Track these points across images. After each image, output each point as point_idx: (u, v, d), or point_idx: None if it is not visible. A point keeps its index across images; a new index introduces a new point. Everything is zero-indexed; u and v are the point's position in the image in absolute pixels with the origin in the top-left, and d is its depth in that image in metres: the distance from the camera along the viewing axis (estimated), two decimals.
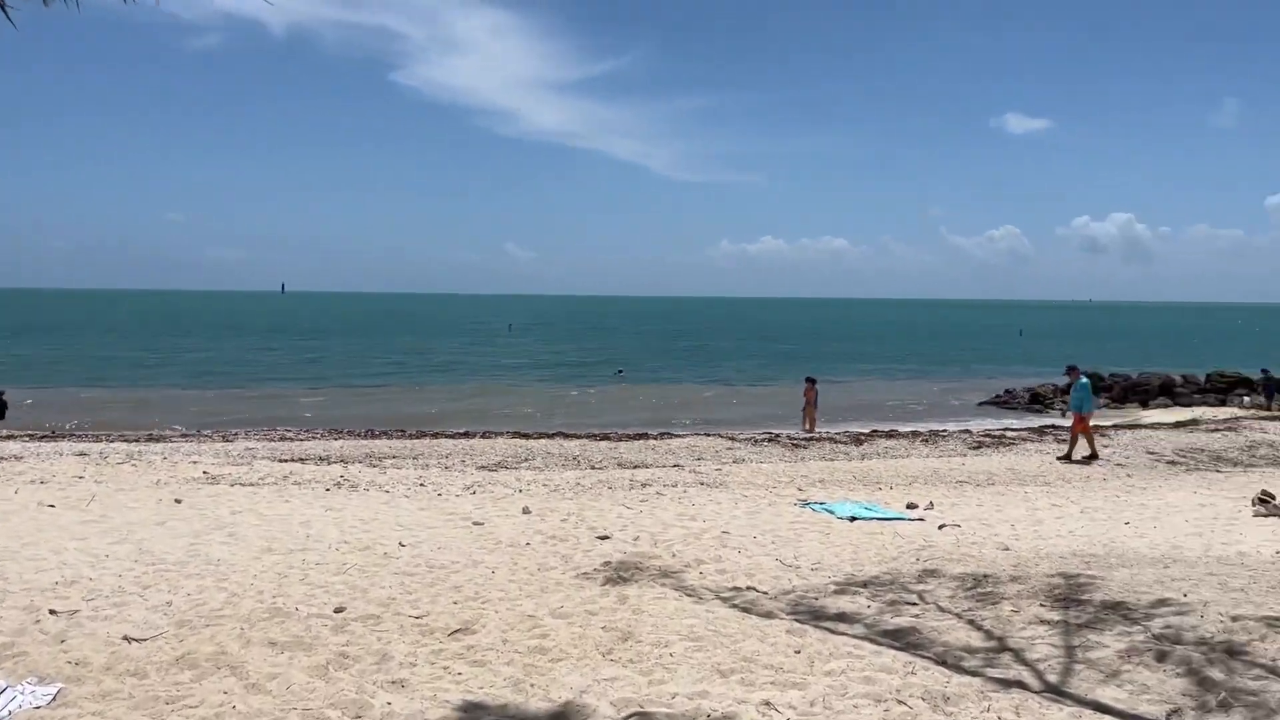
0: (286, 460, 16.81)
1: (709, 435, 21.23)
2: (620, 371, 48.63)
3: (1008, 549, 8.99)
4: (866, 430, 22.27)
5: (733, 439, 20.42)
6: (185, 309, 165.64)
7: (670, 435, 21.43)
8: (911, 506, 12.17)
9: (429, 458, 17.42)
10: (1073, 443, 18.24)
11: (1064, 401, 36.23)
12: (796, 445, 19.57)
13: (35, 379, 38.89)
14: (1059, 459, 17.91)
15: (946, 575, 7.28)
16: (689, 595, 6.88)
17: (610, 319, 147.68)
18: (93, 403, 31.60)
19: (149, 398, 33.31)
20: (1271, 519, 11.48)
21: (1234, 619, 5.33)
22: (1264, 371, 37.47)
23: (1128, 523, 10.97)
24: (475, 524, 10.42)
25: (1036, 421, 28.56)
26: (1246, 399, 35.48)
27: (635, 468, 16.61)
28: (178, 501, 11.81)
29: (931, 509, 12.08)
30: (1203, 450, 19.65)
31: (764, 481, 14.76)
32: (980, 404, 37.08)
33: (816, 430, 24.93)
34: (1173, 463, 18.17)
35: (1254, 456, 19.08)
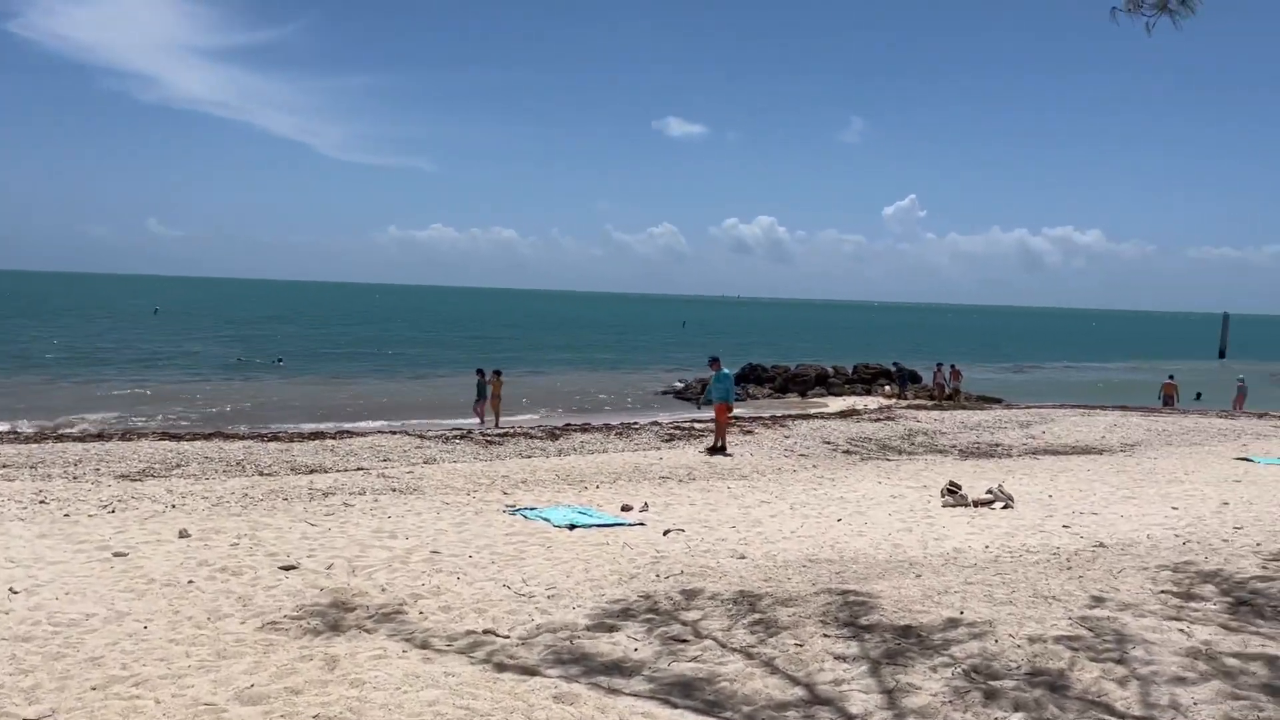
0: None
1: (394, 433, 19.56)
2: (280, 361, 44.94)
3: (744, 557, 8.45)
4: (560, 424, 21.58)
5: (421, 437, 18.91)
6: None
7: (349, 434, 19.52)
8: (626, 509, 11.46)
9: (51, 465, 14.48)
10: (719, 433, 18.27)
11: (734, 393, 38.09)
12: (491, 442, 18.45)
13: None
14: (707, 451, 17.77)
15: (705, 597, 6.52)
16: (417, 647, 5.55)
17: (271, 304, 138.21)
18: None
19: None
20: (959, 508, 11.95)
21: (1030, 640, 4.97)
22: (895, 364, 41.55)
23: (840, 519, 10.91)
24: (116, 555, 8.34)
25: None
26: (887, 388, 38.90)
27: (313, 473, 14.73)
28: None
29: (647, 510, 11.44)
30: (870, 439, 20.81)
31: (463, 485, 13.52)
32: (659, 393, 37.93)
33: (501, 423, 24.06)
34: (848, 452, 19.01)
35: (914, 444, 20.43)
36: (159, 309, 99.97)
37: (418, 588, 7.29)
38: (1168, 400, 33.06)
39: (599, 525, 10.20)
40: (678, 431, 20.78)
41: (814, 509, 11.76)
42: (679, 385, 39.66)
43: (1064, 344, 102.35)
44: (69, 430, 20.25)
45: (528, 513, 10.99)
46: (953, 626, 5.24)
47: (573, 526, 10.06)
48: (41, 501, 11.39)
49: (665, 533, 9.75)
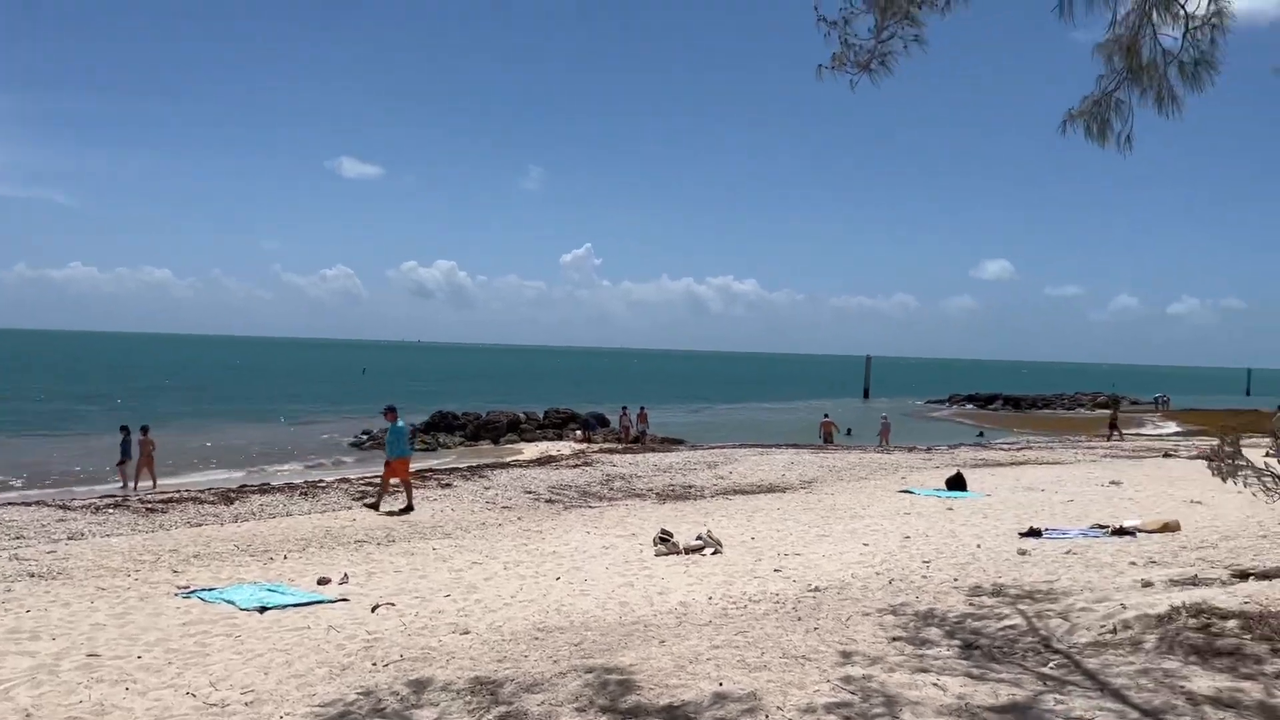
0: None
1: (28, 505, 16.73)
2: None
3: (467, 632, 7.71)
4: (235, 485, 19.50)
5: (64, 507, 16.29)
6: None
7: None
8: (324, 582, 10.31)
9: None
10: (383, 491, 16.82)
11: (424, 442, 36.77)
12: (152, 510, 16.22)
13: None
14: (367, 505, 16.63)
15: (436, 688, 5.71)
16: None
17: None
18: None
19: None
20: (672, 556, 11.89)
21: (803, 712, 4.69)
22: (590, 416, 42.31)
23: (558, 578, 10.44)
24: None
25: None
26: (579, 432, 39.31)
27: None
28: None
29: (347, 582, 10.35)
30: (570, 486, 20.63)
31: (122, 564, 11.64)
32: (345, 446, 35.86)
33: (158, 485, 21.74)
34: (550, 501, 18.67)
35: (614, 490, 20.49)
36: None
37: (73, 707, 5.91)
38: (827, 437, 35.95)
39: (295, 604, 9.03)
40: (370, 489, 19.45)
41: (529, 567, 11.20)
42: (364, 437, 37.78)
43: (731, 385, 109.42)
44: None
45: (206, 594, 9.56)
46: (720, 703, 4.89)
47: (264, 608, 8.82)
48: None
49: (374, 608, 8.78)
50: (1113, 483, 21.09)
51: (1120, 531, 12.45)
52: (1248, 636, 5.26)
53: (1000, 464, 27.02)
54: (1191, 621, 5.53)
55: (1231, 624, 5.45)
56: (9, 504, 16.93)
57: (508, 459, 28.77)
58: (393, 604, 8.98)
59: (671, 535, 12.41)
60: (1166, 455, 29.37)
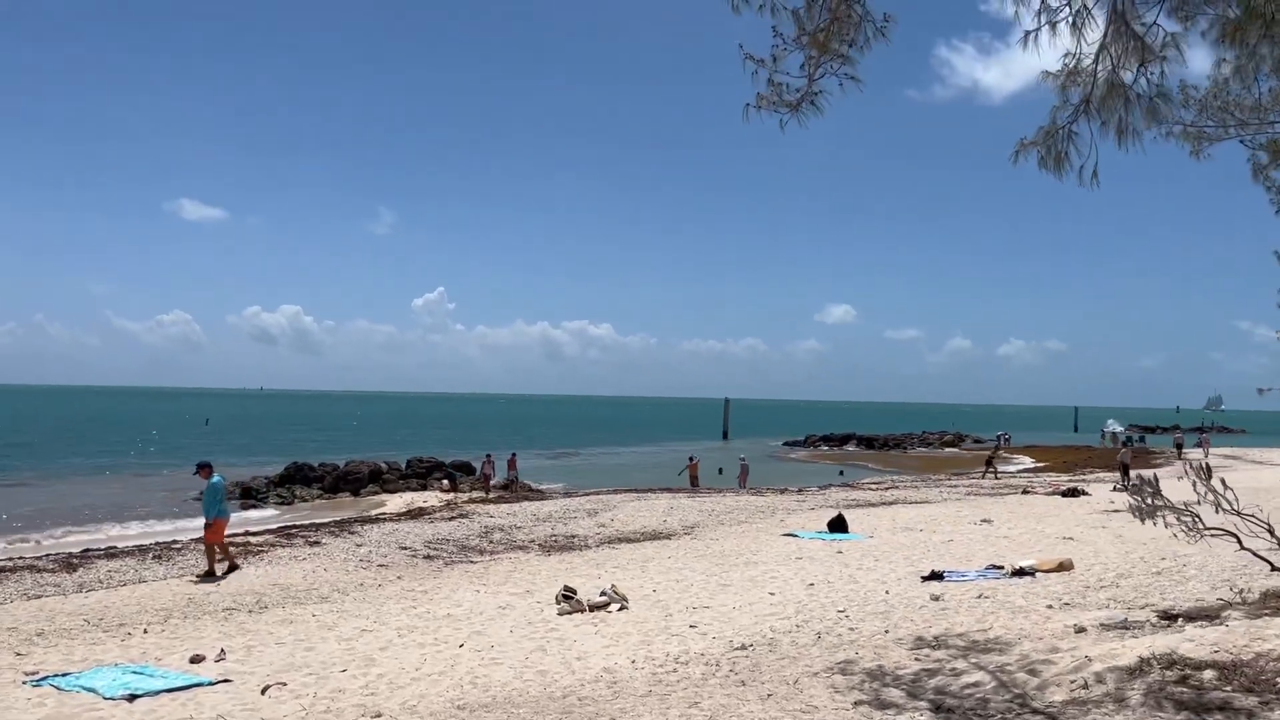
0: None
1: None
2: None
3: (379, 715, 6.91)
4: (77, 549, 17.68)
5: None
6: None
7: None
8: (197, 660, 9.22)
9: None
10: (211, 555, 15.51)
11: (280, 495, 34.80)
12: None
13: None
14: (198, 577, 15.11)
15: None
16: None
17: None
18: None
19: None
20: (577, 615, 11.27)
21: None
22: (450, 464, 41.00)
23: (462, 645, 9.67)
24: None
25: (271, 524, 26.38)
26: (445, 482, 37.98)
27: None
28: None
29: (224, 659, 9.30)
30: (448, 540, 19.69)
31: None
32: (196, 499, 33.47)
33: None
34: (429, 556, 17.71)
35: (494, 543, 19.65)
36: None
37: None
38: (693, 479, 35.84)
39: (169, 689, 7.98)
40: (231, 548, 18.02)
41: (426, 633, 10.37)
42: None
43: (591, 428, 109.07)
44: None
45: (61, 681, 8.37)
46: None
47: (132, 696, 7.75)
48: None
49: (263, 690, 7.84)
50: (984, 520, 21.61)
51: (1019, 572, 12.54)
52: (1228, 688, 5.13)
53: (872, 504, 27.41)
54: (1169, 674, 5.37)
55: (1209, 675, 5.32)
56: None
57: (373, 512, 27.46)
58: (284, 684, 8.05)
59: (575, 592, 11.79)
60: (1025, 491, 30.49)
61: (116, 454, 55.30)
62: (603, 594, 11.84)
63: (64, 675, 8.61)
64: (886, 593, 11.79)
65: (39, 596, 13.60)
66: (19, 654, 9.76)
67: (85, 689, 8.05)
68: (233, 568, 15.60)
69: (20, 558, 16.98)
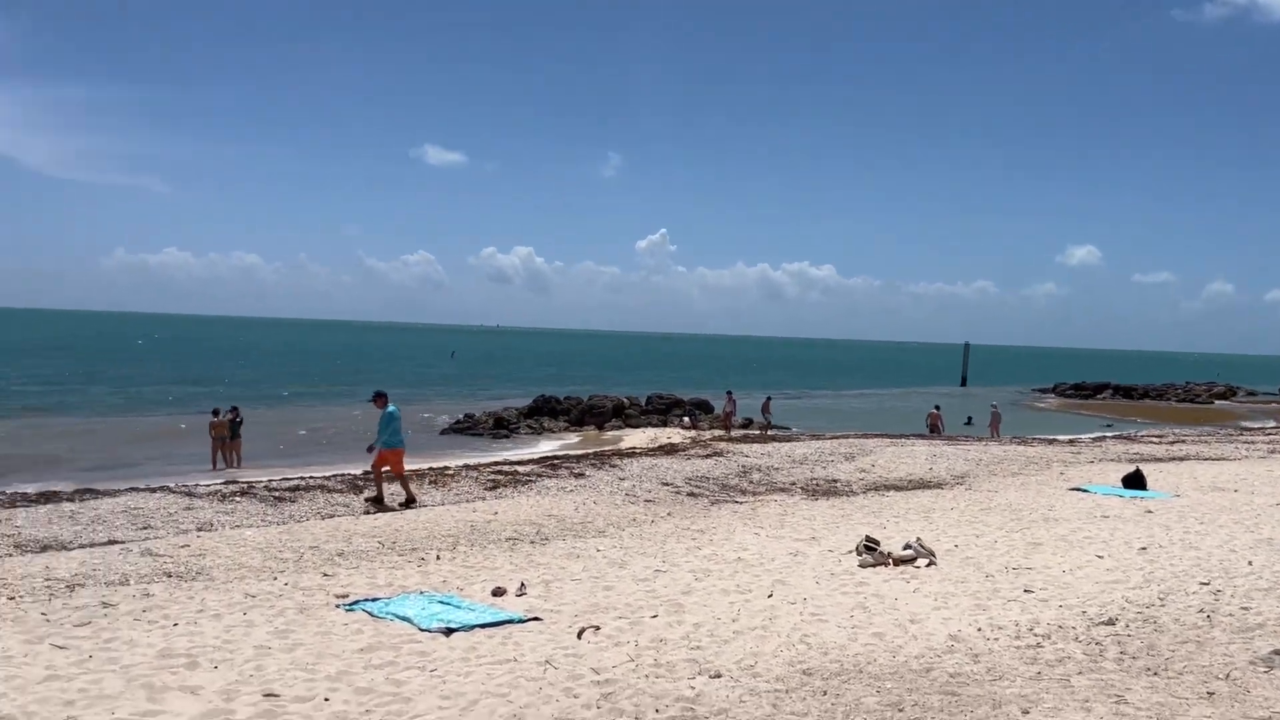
0: None
1: (153, 490, 15.79)
2: None
3: (718, 675, 6.21)
4: (358, 471, 18.28)
5: (190, 494, 15.31)
6: None
7: (94, 493, 15.54)
8: (499, 593, 8.92)
9: None
10: (379, 484, 15.09)
11: (530, 426, 35.64)
12: (280, 499, 15.14)
13: None
14: (369, 501, 14.98)
15: None
16: None
17: None
18: None
19: None
20: (881, 567, 10.27)
21: None
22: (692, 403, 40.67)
23: (770, 595, 8.88)
24: None
25: (524, 450, 26.86)
26: (685, 419, 37.73)
27: (47, 550, 11.14)
28: None
29: (525, 593, 8.95)
30: (708, 478, 19.12)
31: (262, 563, 10.45)
32: (444, 431, 34.90)
33: (241, 467, 22.23)
34: (692, 494, 17.19)
35: (754, 483, 18.92)
36: None
37: None
38: (933, 428, 33.72)
39: (481, 624, 7.62)
40: (500, 477, 18.18)
41: (724, 578, 9.67)
42: (464, 419, 36.85)
43: (815, 371, 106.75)
44: None
45: (372, 607, 8.22)
46: None
47: (448, 630, 7.43)
48: None
49: (579, 634, 7.33)
50: None
51: None
52: None
53: (1159, 459, 24.73)
54: None
55: None
56: (133, 489, 16.03)
57: (624, 446, 27.41)
58: (598, 627, 7.52)
59: (877, 544, 10.77)
60: None
61: (371, 380, 58.72)
62: (907, 547, 10.75)
63: (374, 600, 8.48)
64: (1249, 564, 10.08)
65: (331, 516, 14.00)
66: (325, 574, 9.81)
67: (398, 617, 7.83)
68: (410, 501, 14.95)
69: (310, 477, 17.72)
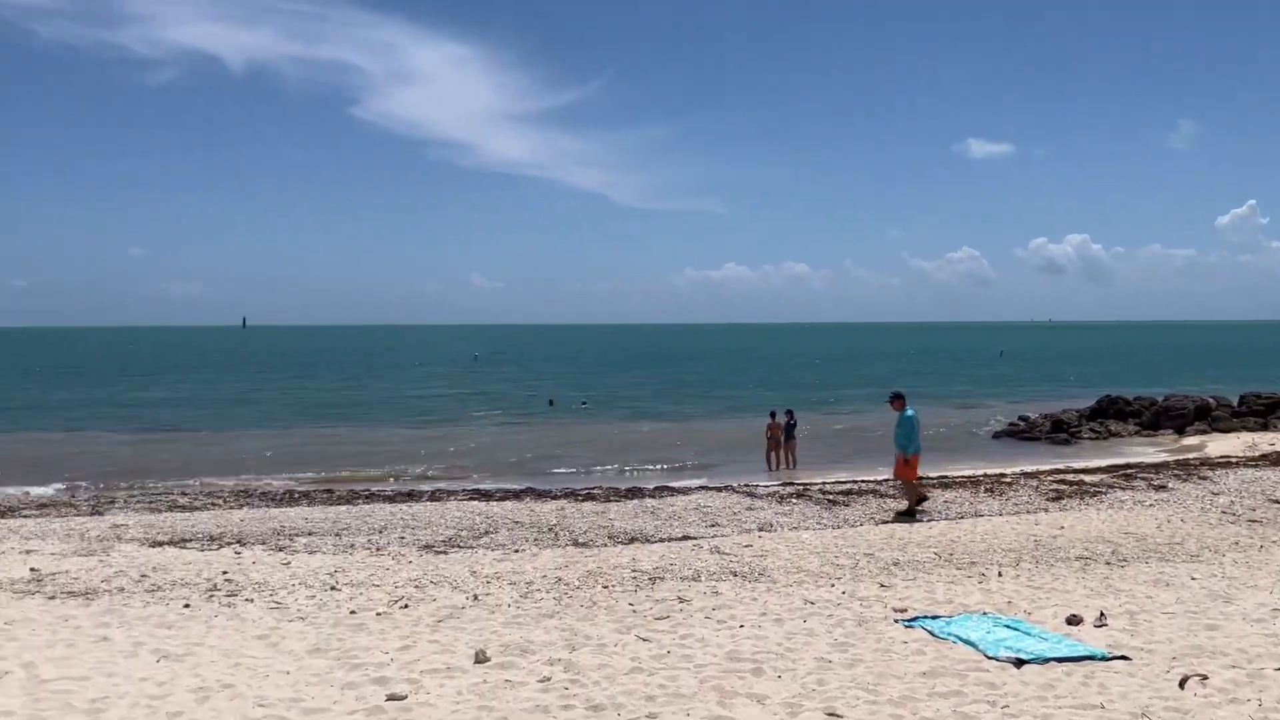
0: (161, 543, 12.38)
1: (719, 489, 16.98)
2: (584, 404, 44.31)
3: None
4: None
5: (750, 493, 16.18)
6: (143, 345, 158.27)
7: (669, 490, 17.11)
8: (1074, 622, 7.98)
9: (356, 532, 13.07)
10: (911, 492, 14.65)
11: (1093, 430, 32.59)
12: (834, 502, 15.36)
13: None
14: (899, 514, 14.29)
15: None
16: None
17: (576, 347, 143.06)
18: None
19: (63, 449, 28.38)
20: None
21: None
22: None
23: None
24: (391, 699, 6.09)
25: (1089, 457, 24.54)
26: None
27: (633, 542, 12.37)
28: None
29: (1106, 625, 7.90)
30: None
31: (819, 567, 10.54)
32: (996, 435, 33.16)
33: (795, 468, 22.62)
34: None
35: None
36: (478, 355, 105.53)
37: None
38: None
39: (1058, 659, 6.82)
40: (1063, 486, 16.72)
41: None
42: (1018, 422, 34.73)
43: None
44: (381, 489, 19.29)
45: (932, 625, 7.80)
46: None
47: (1019, 661, 6.75)
48: (332, 588, 9.66)
49: (1181, 682, 6.22)
50: None
51: None
52: None
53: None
54: None
55: None
56: (704, 488, 17.38)
57: (1212, 454, 23.79)
58: (1204, 677, 6.33)
59: None
60: None
61: (916, 382, 58.07)
62: None
63: (934, 618, 8.05)
64: None
65: (884, 522, 13.82)
66: (882, 585, 9.59)
67: (961, 640, 7.31)
68: (910, 511, 14.33)
69: (862, 481, 17.72)
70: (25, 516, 14.80)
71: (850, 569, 10.45)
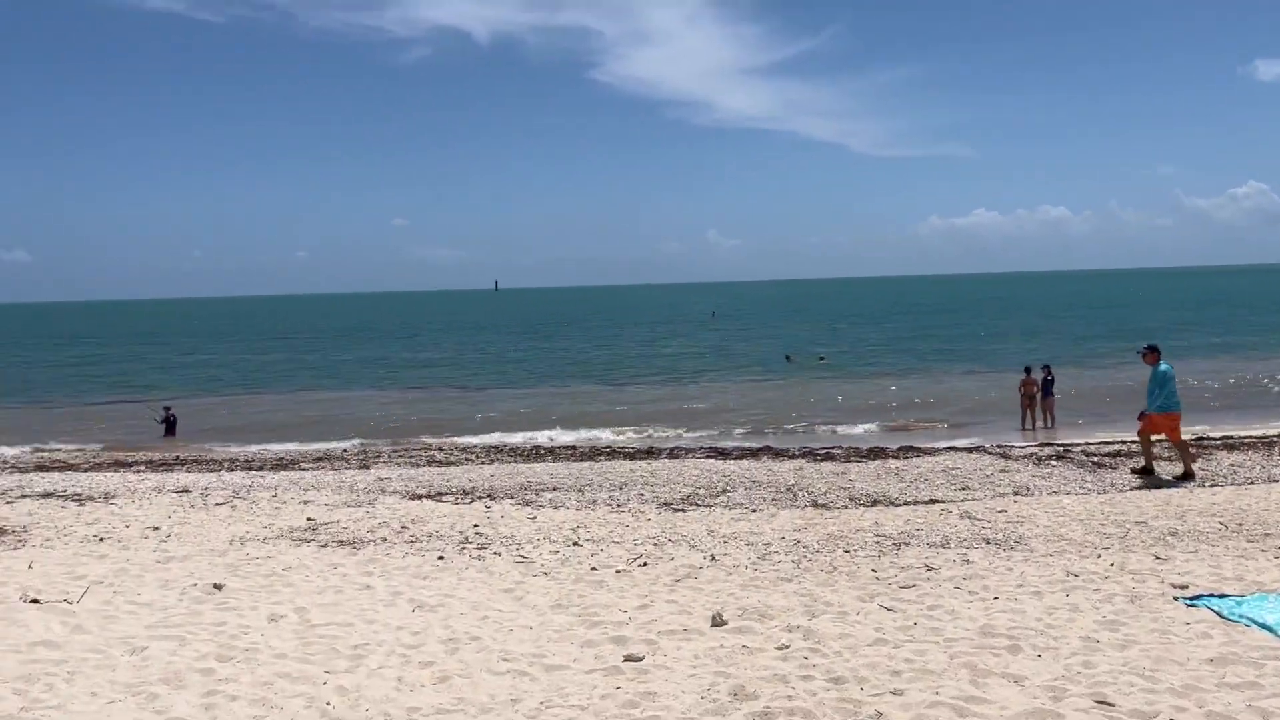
0: (420, 496, 13.14)
1: (969, 450, 16.09)
2: (822, 358, 43.31)
3: None
4: (1189, 435, 16.31)
5: (1004, 455, 15.22)
6: (407, 308, 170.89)
7: (914, 450, 16.39)
8: None
9: (599, 488, 13.34)
10: (1146, 452, 13.62)
11: None
12: (1099, 465, 14.16)
13: (247, 384, 38.73)
14: (1135, 473, 13.48)
15: None
16: None
17: (813, 302, 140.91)
18: (265, 416, 29.63)
19: (332, 409, 31.09)
20: None
21: None
22: None
23: None
24: (628, 659, 6.07)
25: None
26: None
27: (875, 505, 11.89)
28: (217, 587, 8.11)
29: None
30: None
31: (1083, 536, 9.69)
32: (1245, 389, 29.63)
33: (1054, 427, 21.39)
34: None
35: None
36: (715, 312, 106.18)
37: None
38: None
39: None
40: (1192, 450, 14.61)
41: None
42: None
43: None
44: (613, 441, 19.60)
45: (1220, 605, 6.93)
46: None
47: None
48: (575, 543, 9.86)
49: None
50: None
51: None
52: None
53: None
54: None
55: None
56: (951, 449, 16.53)
57: None
58: None
59: None
60: None
61: (1195, 332, 52.77)
62: None
63: (1222, 597, 7.16)
64: None
65: (1159, 488, 12.58)
66: (1158, 557, 8.67)
67: (1257, 624, 6.45)
68: (1187, 474, 13.06)
69: (1131, 442, 16.24)
70: (304, 470, 16.17)
71: (1119, 539, 9.54)
